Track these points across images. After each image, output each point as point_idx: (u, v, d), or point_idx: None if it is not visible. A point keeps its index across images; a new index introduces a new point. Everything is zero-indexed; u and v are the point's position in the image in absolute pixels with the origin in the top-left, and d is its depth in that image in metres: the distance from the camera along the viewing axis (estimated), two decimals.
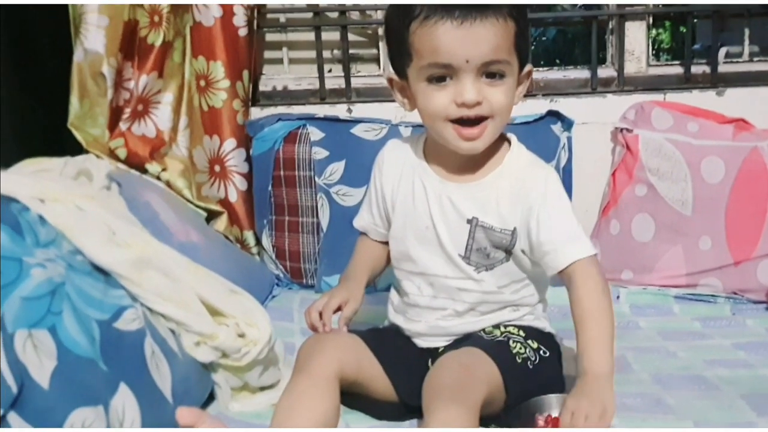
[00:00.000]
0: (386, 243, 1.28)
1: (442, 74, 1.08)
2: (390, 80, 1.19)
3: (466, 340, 1.17)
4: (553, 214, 1.13)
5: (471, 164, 1.16)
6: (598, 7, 1.94)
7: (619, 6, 1.90)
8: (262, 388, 1.22)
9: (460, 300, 1.18)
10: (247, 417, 1.17)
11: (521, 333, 1.18)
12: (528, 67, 1.15)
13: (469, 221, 1.16)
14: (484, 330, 1.19)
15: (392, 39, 1.15)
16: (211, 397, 1.20)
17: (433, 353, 1.18)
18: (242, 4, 1.74)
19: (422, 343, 1.22)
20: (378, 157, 1.28)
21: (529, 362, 1.14)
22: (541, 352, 1.17)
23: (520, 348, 1.15)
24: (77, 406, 0.89)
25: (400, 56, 1.13)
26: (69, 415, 0.88)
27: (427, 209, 1.18)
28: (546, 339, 1.21)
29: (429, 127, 1.15)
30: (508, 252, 1.16)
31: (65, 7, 1.65)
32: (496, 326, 1.19)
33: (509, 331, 1.18)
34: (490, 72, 1.08)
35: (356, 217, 1.33)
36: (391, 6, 1.16)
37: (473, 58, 1.05)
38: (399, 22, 1.11)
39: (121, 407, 0.96)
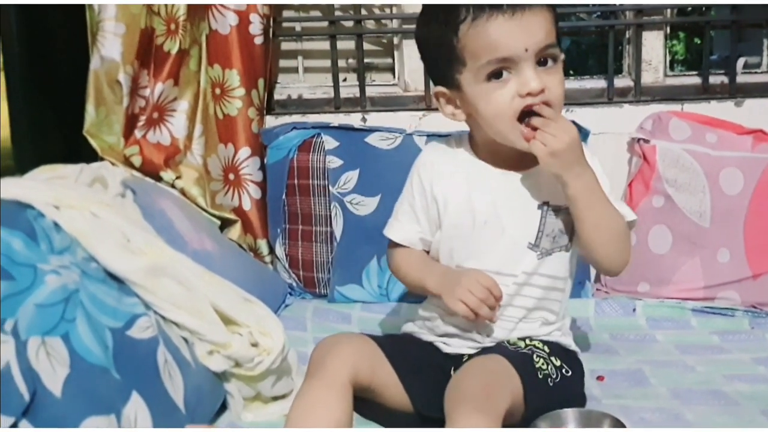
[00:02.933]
0: (427, 252, 1.25)
1: (500, 69, 1.09)
2: (437, 94, 1.19)
3: (490, 350, 1.15)
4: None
5: (527, 153, 1.15)
6: (615, 16, 1.93)
7: (636, 15, 1.88)
8: (275, 398, 1.21)
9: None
10: (260, 427, 1.16)
11: (546, 348, 1.17)
12: (561, 54, 1.15)
13: (540, 206, 1.16)
14: (508, 341, 1.17)
15: (436, 50, 1.14)
16: (223, 407, 1.19)
17: (457, 361, 1.16)
18: (258, 13, 1.74)
19: (447, 348, 1.20)
20: (419, 161, 1.25)
21: (549, 379, 1.12)
22: (563, 370, 1.15)
23: (543, 364, 1.13)
24: (89, 415, 0.89)
25: (449, 65, 1.13)
26: (81, 423, 0.88)
27: (491, 203, 1.17)
28: (570, 358, 1.19)
29: (491, 129, 1.14)
30: (571, 238, 1.17)
31: (83, 14, 1.65)
32: (522, 339, 1.18)
33: (534, 345, 1.16)
34: (543, 58, 1.09)
35: (392, 229, 1.26)
36: (426, 20, 1.16)
37: (531, 46, 1.07)
38: (444, 30, 1.11)
39: (134, 416, 0.96)
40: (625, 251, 1.18)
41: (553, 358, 1.15)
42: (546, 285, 1.18)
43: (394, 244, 1.26)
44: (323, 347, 1.12)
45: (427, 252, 1.25)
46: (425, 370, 1.16)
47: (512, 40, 1.07)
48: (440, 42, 1.12)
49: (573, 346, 1.22)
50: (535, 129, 1.09)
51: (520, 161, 1.16)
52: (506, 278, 1.16)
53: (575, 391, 1.17)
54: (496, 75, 1.09)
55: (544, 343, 1.18)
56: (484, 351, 1.16)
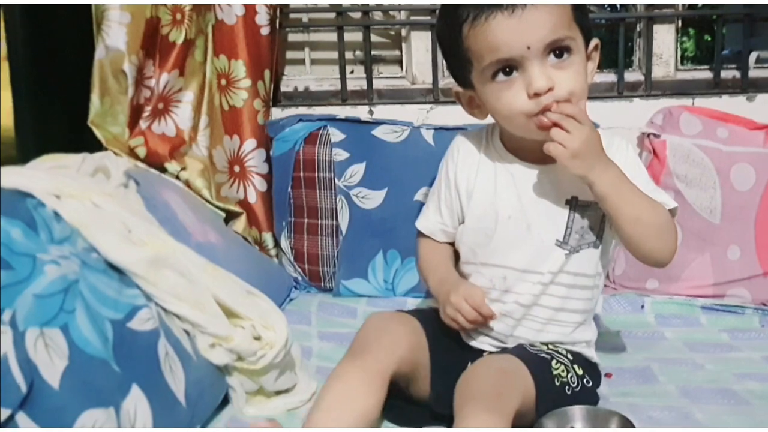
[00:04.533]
0: (450, 244, 1.24)
1: (506, 68, 1.06)
2: (456, 94, 1.18)
3: (509, 350, 1.13)
4: (634, 173, 1.12)
5: None
6: (626, 9, 1.90)
7: (647, 9, 1.86)
8: (278, 393, 1.19)
9: (525, 292, 1.14)
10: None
11: (569, 356, 1.14)
12: (594, 41, 1.12)
13: (568, 201, 1.13)
14: (531, 344, 1.15)
15: (448, 51, 1.14)
16: (225, 401, 1.18)
17: (477, 356, 1.14)
18: (265, 3, 1.73)
19: (470, 340, 1.18)
20: (450, 149, 1.24)
21: (567, 387, 1.10)
22: (585, 380, 1.13)
23: (562, 371, 1.11)
24: (88, 407, 0.88)
25: (460, 65, 1.11)
26: (79, 416, 0.86)
27: (516, 198, 1.14)
28: (592, 369, 1.18)
29: (507, 127, 1.12)
30: (600, 235, 1.14)
31: (87, 3, 1.64)
32: (546, 344, 1.15)
33: (557, 351, 1.14)
34: (556, 51, 1.05)
35: (420, 218, 1.27)
36: (439, 19, 1.16)
37: (534, 43, 1.03)
38: (450, 31, 1.09)
39: (133, 409, 0.94)
40: (672, 240, 1.13)
41: (575, 366, 1.13)
42: (572, 283, 1.14)
43: (420, 234, 1.26)
44: (374, 328, 1.10)
45: (452, 244, 1.23)
46: (452, 366, 1.12)
47: (513, 39, 1.03)
48: (449, 42, 1.11)
49: (595, 359, 1.21)
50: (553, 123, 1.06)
51: (548, 155, 1.12)
52: (533, 276, 1.14)
53: (591, 401, 1.15)
54: (504, 72, 1.06)
55: (568, 351, 1.15)
56: (504, 351, 1.14)
